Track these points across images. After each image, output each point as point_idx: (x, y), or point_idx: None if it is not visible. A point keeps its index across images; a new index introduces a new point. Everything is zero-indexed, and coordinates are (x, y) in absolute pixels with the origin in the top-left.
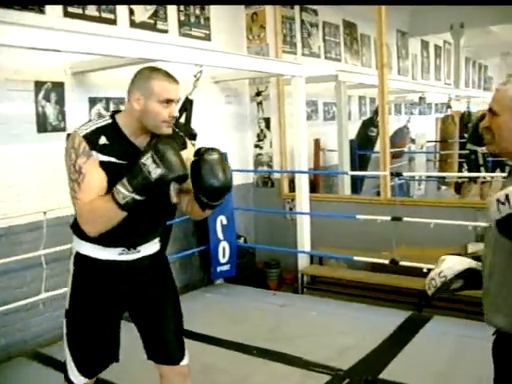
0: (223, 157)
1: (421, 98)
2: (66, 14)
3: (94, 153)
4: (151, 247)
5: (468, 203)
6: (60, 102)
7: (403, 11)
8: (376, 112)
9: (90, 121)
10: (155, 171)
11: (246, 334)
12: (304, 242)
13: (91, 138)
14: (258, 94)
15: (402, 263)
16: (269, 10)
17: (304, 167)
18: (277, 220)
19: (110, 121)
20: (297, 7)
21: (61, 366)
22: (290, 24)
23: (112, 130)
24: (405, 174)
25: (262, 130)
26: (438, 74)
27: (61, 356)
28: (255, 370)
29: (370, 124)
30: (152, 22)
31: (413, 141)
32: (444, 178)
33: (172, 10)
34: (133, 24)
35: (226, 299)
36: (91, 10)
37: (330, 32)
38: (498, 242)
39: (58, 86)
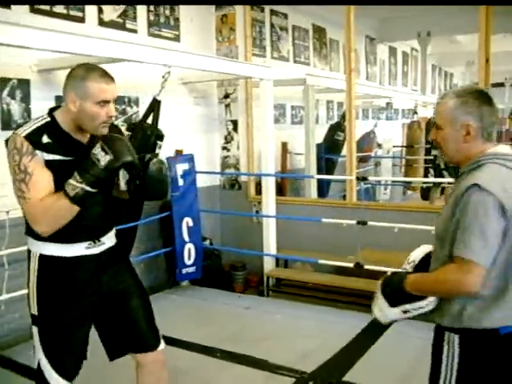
0: (166, 167)
1: (388, 104)
2: (33, 10)
3: (38, 152)
4: (111, 239)
5: (432, 208)
6: (25, 99)
7: (372, 17)
8: (343, 116)
9: (27, 122)
10: (104, 158)
11: (210, 336)
12: (270, 244)
13: (33, 138)
14: (227, 96)
15: (367, 267)
16: (239, 12)
17: (271, 170)
18: (243, 222)
19: (48, 119)
20: (267, 10)
21: (23, 369)
22: (260, 27)
23: (52, 127)
24: (371, 178)
25: (229, 133)
26: (405, 80)
27: (22, 358)
28: (219, 373)
29: (337, 128)
30: (121, 21)
31: (379, 146)
32: (410, 182)
33: (141, 9)
34: (101, 23)
35: (191, 301)
36: (59, 7)
37: (300, 36)
38: (435, 252)
39: (24, 83)
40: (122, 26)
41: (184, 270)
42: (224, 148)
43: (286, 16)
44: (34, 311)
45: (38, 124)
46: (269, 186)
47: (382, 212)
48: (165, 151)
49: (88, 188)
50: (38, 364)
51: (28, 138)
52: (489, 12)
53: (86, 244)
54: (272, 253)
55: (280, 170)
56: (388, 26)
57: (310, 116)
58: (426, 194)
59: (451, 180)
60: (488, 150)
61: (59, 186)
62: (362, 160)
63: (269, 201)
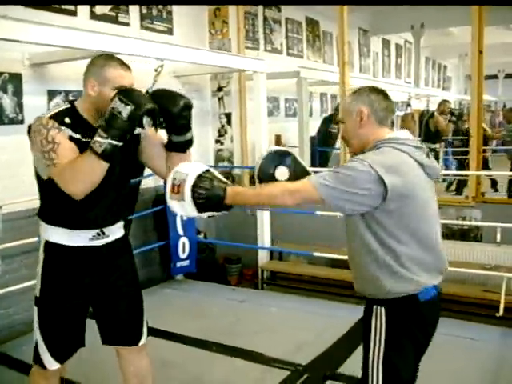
0: (171, 89)
1: None
2: (24, 4)
3: (62, 127)
4: (117, 232)
5: None
6: (17, 93)
7: (365, 10)
8: (337, 109)
9: (49, 109)
10: (125, 109)
11: (205, 329)
12: (264, 237)
13: (57, 118)
14: (220, 89)
15: None
16: (232, 5)
17: None
18: (237, 216)
19: (69, 106)
20: (260, 4)
21: (16, 364)
22: (253, 20)
23: (72, 113)
24: None
25: (223, 126)
26: (398, 72)
27: (15, 353)
28: (214, 366)
29: (331, 121)
30: (113, 14)
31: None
32: None
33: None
34: (93, 16)
35: (185, 295)
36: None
37: (293, 29)
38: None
39: (16, 78)
40: (114, 20)
41: (178, 264)
42: (217, 141)
43: (279, 9)
44: (37, 293)
45: (60, 109)
46: None
47: None
48: None
49: (114, 142)
50: (36, 343)
51: (52, 117)
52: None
53: (90, 235)
54: (266, 246)
55: None
56: (381, 19)
57: (304, 109)
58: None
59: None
60: (385, 136)
61: None
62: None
63: None
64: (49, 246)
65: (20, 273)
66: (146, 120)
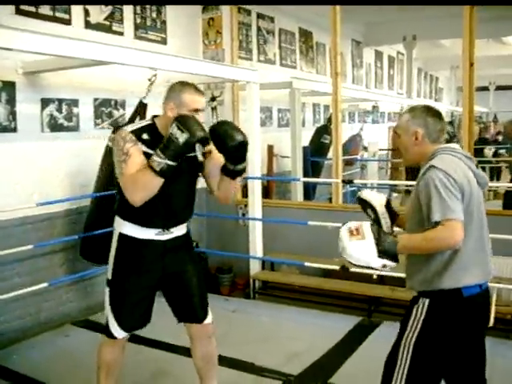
0: (232, 123)
1: (374, 107)
2: (18, 12)
3: (138, 143)
4: (181, 230)
5: None
6: (11, 101)
7: (358, 21)
8: (330, 119)
9: (133, 122)
10: (182, 136)
11: None
12: (256, 247)
13: (136, 133)
14: (213, 99)
15: (353, 269)
16: (225, 15)
17: (257, 173)
18: (229, 225)
19: (150, 122)
20: (254, 14)
21: (5, 373)
22: (247, 30)
23: (152, 130)
24: (356, 181)
25: None
26: (391, 83)
27: (6, 363)
28: None
29: (323, 131)
30: (107, 23)
31: (365, 148)
32: (395, 185)
33: (128, 12)
34: (88, 25)
35: None
36: (45, 9)
37: (286, 39)
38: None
39: (9, 86)
40: (108, 29)
41: None
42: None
43: (272, 19)
44: (109, 276)
45: (142, 124)
46: (255, 188)
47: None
48: None
49: (170, 162)
50: (107, 318)
51: (132, 132)
52: (472, 17)
53: (156, 231)
54: (258, 255)
55: (266, 173)
56: (374, 30)
57: (297, 119)
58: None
59: None
60: (437, 147)
61: None
62: (348, 163)
63: (255, 204)
64: (122, 237)
65: (12, 281)
66: (198, 146)
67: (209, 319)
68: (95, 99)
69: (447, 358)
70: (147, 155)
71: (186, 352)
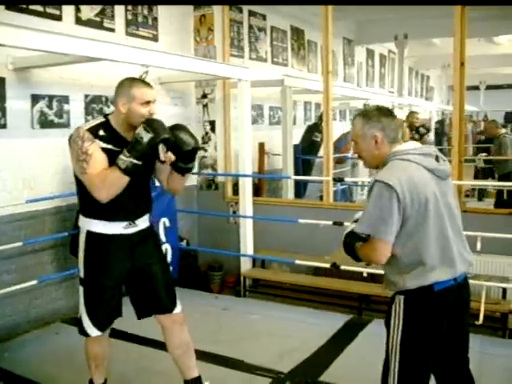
0: (187, 128)
1: (365, 105)
2: (9, 7)
3: (96, 140)
4: (145, 222)
5: None
6: (1, 98)
7: (350, 20)
8: (321, 117)
9: (87, 121)
10: (146, 136)
11: None
12: (247, 245)
13: (92, 130)
14: (204, 96)
15: (343, 267)
16: (217, 12)
17: (248, 171)
18: (220, 223)
19: (103, 119)
20: (245, 11)
21: None
22: (238, 27)
23: (106, 126)
24: (347, 179)
25: (206, 133)
26: (382, 82)
27: None
28: None
29: (314, 129)
30: (98, 19)
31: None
32: None
33: (119, 8)
34: (79, 21)
35: None
36: (36, 5)
37: (278, 37)
38: None
39: None
40: (99, 25)
41: None
42: (201, 148)
43: (264, 17)
44: (81, 274)
45: (96, 122)
46: (246, 186)
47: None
48: None
49: (135, 161)
50: (80, 317)
51: (89, 130)
52: (464, 17)
53: (123, 224)
54: (249, 253)
55: (257, 171)
56: (365, 29)
57: (288, 117)
58: None
59: None
60: (392, 149)
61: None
62: (339, 161)
63: (246, 201)
64: (89, 234)
65: (1, 278)
66: (161, 146)
67: (178, 309)
68: (86, 96)
69: (432, 350)
70: (105, 150)
71: (163, 347)
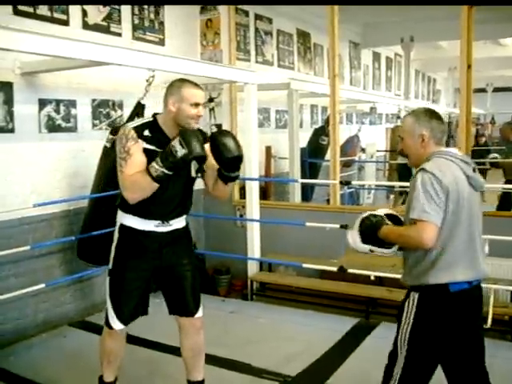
0: (233, 134)
1: (372, 109)
2: (16, 12)
3: (139, 140)
4: (180, 223)
5: None
6: (8, 102)
7: (356, 23)
8: (327, 121)
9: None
10: (180, 151)
11: None
12: (254, 248)
13: (138, 130)
14: (211, 100)
15: (350, 270)
16: (223, 16)
17: (255, 174)
18: (227, 226)
19: (151, 119)
20: (252, 15)
21: (2, 374)
22: (245, 31)
23: (153, 126)
24: (354, 182)
25: None
26: (388, 85)
27: (3, 364)
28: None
29: (321, 132)
30: (105, 24)
31: (363, 150)
32: (393, 186)
33: (126, 12)
34: (86, 26)
35: None
36: (43, 10)
37: (284, 40)
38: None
39: (7, 86)
40: (106, 30)
41: None
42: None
43: (270, 20)
44: (110, 265)
45: (144, 121)
46: (253, 190)
47: None
48: None
49: (166, 171)
50: (107, 307)
51: (134, 129)
52: (470, 19)
53: (156, 222)
54: (256, 257)
55: (264, 174)
56: (372, 32)
57: (294, 120)
58: None
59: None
60: (438, 149)
61: None
62: (346, 164)
63: (253, 205)
64: (122, 228)
65: (9, 282)
66: (193, 163)
67: (200, 313)
68: (93, 100)
69: (440, 349)
70: (148, 151)
71: (179, 352)
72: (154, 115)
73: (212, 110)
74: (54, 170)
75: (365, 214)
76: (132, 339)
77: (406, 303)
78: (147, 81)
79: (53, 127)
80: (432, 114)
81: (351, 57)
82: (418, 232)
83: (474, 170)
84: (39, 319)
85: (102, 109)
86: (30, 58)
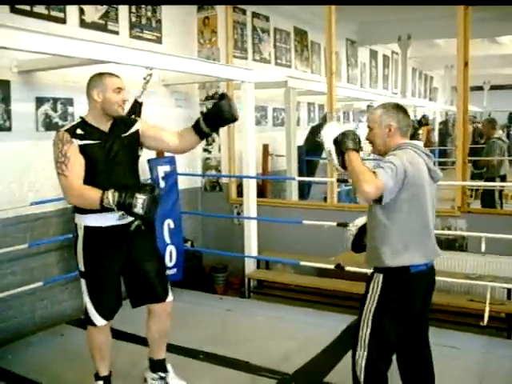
0: (232, 101)
1: (369, 106)
2: (13, 11)
3: (74, 140)
4: None
5: None
6: (5, 100)
7: (353, 21)
8: (324, 119)
9: (67, 124)
10: (138, 209)
11: (192, 338)
12: (251, 246)
13: (70, 131)
14: (208, 98)
15: (348, 268)
16: (220, 14)
17: (252, 172)
18: (224, 224)
19: (80, 120)
20: (249, 13)
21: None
22: (242, 29)
23: (83, 124)
24: (351, 180)
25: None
26: (385, 83)
27: (1, 363)
28: (201, 375)
29: (318, 130)
30: (103, 22)
31: (360, 148)
32: None
33: (123, 11)
34: (83, 24)
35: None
36: (40, 8)
37: (281, 38)
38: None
39: (4, 84)
40: (103, 28)
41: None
42: (205, 150)
43: (267, 18)
44: (82, 268)
45: (73, 123)
46: (250, 187)
47: (363, 213)
48: (146, 153)
49: (115, 208)
50: (85, 308)
51: (67, 130)
52: (467, 17)
53: (117, 216)
54: (253, 255)
55: (261, 172)
56: (369, 30)
57: (292, 118)
58: None
59: None
60: (404, 141)
61: (89, 161)
62: None
63: (250, 203)
64: (87, 229)
65: (6, 280)
66: (137, 221)
67: (170, 297)
68: None
69: (401, 324)
70: (83, 147)
71: (176, 350)
72: (81, 117)
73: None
74: (51, 168)
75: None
76: (124, 336)
77: (371, 284)
78: (144, 79)
79: (50, 125)
80: (399, 108)
81: (348, 55)
82: (369, 180)
83: (434, 164)
84: (37, 317)
85: None
86: (27, 56)
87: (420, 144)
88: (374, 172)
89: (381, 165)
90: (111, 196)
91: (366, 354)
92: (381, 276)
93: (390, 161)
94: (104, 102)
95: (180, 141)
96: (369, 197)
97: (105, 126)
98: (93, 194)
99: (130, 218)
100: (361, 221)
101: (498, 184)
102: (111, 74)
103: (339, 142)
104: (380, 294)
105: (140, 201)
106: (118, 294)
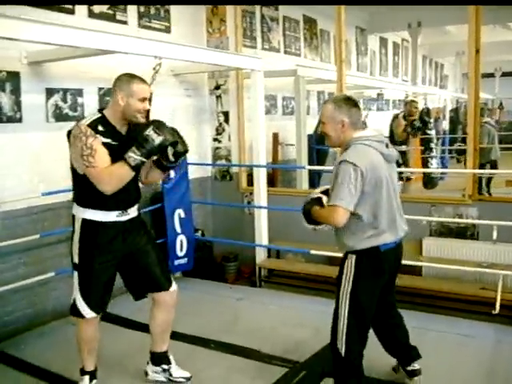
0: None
1: (379, 95)
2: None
3: (97, 135)
4: (135, 212)
5: (423, 198)
6: (16, 92)
7: (363, 8)
8: None
9: (85, 117)
10: (157, 139)
11: (203, 327)
12: (262, 235)
13: (92, 126)
14: (217, 87)
15: None
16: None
17: (262, 161)
18: (235, 213)
19: (100, 115)
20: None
21: (14, 362)
22: (251, 18)
23: (104, 121)
24: None
25: (220, 124)
26: (395, 70)
27: (15, 352)
28: (212, 363)
29: None
30: (111, 12)
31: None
32: (401, 172)
33: None
34: (91, 14)
35: (183, 293)
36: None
37: (290, 27)
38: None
39: (14, 76)
40: (112, 18)
41: (176, 262)
42: (215, 139)
43: (276, 7)
44: (76, 260)
45: (94, 118)
46: (260, 177)
47: None
48: None
49: (144, 159)
50: (74, 300)
51: (89, 126)
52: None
53: (116, 213)
54: (264, 243)
55: (271, 161)
56: (379, 17)
57: (301, 107)
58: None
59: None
60: (354, 135)
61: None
62: None
63: (260, 192)
64: (85, 222)
65: (17, 271)
66: (169, 148)
67: (174, 286)
68: (100, 88)
69: (375, 297)
70: (106, 144)
71: (187, 339)
72: (100, 110)
73: (219, 97)
74: (61, 159)
75: (304, 200)
76: (127, 324)
77: (346, 264)
78: (154, 69)
79: (60, 116)
80: (350, 102)
81: (358, 43)
82: (330, 214)
83: (387, 146)
84: (49, 308)
85: (108, 97)
86: (37, 47)
87: (370, 133)
88: (331, 205)
89: (334, 186)
90: (132, 153)
91: (345, 329)
92: (354, 257)
93: (342, 176)
94: (126, 107)
95: (147, 173)
96: (341, 223)
97: (122, 128)
98: (119, 169)
99: (129, 216)
100: (321, 188)
101: (506, 172)
102: (141, 80)
103: (308, 219)
104: (354, 273)
105: (151, 132)
106: (109, 288)
